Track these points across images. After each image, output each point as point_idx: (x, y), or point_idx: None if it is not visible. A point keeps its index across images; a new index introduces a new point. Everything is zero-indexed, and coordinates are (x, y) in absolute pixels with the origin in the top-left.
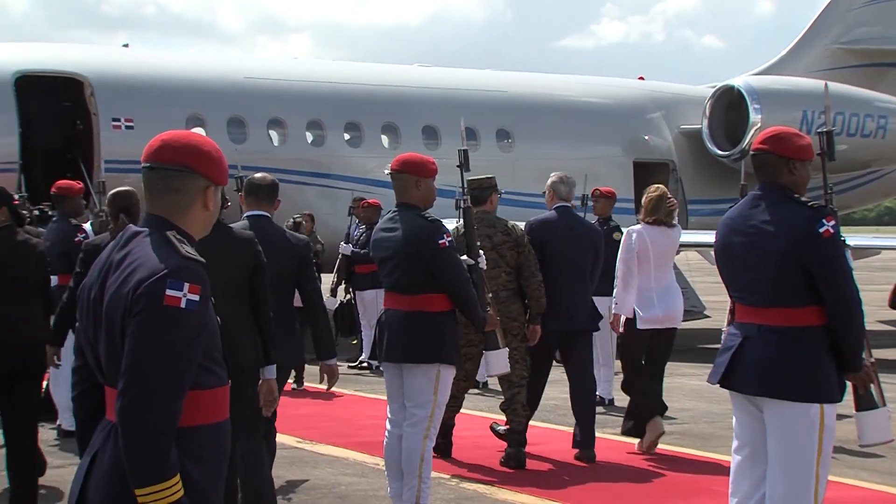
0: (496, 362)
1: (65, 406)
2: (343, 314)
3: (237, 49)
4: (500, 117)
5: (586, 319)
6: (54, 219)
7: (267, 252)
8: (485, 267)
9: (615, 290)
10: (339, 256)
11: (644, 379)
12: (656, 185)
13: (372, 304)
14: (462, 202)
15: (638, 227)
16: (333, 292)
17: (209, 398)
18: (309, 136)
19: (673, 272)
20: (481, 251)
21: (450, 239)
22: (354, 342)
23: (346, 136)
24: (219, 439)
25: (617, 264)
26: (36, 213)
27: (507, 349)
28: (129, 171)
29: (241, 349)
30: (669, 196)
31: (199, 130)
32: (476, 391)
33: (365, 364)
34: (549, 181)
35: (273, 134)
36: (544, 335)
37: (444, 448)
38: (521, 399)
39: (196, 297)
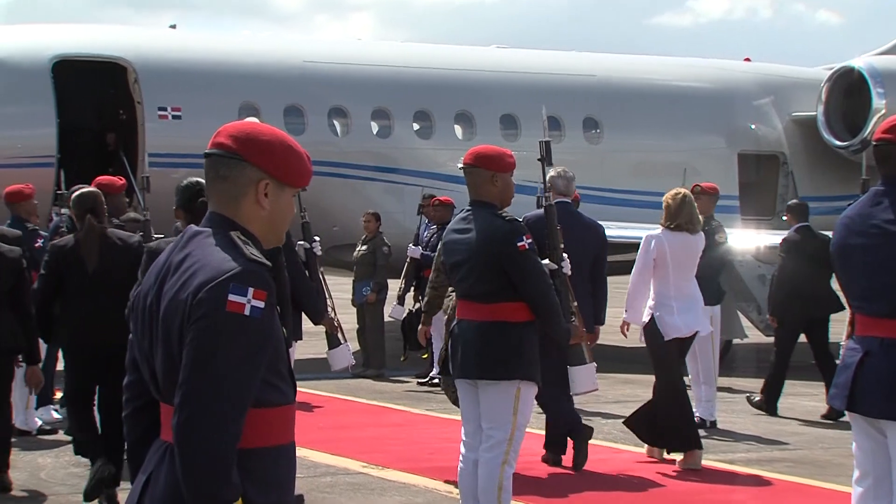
0: (583, 379)
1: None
2: (412, 324)
3: (294, 30)
4: (588, 105)
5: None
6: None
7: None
8: (569, 272)
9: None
10: (408, 260)
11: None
12: (678, 189)
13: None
14: (544, 199)
15: (657, 231)
16: (401, 300)
17: (273, 417)
18: (374, 127)
19: (695, 281)
20: (565, 254)
21: (530, 241)
22: (425, 356)
23: (416, 126)
24: (284, 463)
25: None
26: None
27: (594, 364)
28: (176, 165)
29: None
30: (694, 201)
31: (252, 120)
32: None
33: (436, 380)
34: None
35: (335, 124)
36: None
37: None
38: None
39: (261, 304)
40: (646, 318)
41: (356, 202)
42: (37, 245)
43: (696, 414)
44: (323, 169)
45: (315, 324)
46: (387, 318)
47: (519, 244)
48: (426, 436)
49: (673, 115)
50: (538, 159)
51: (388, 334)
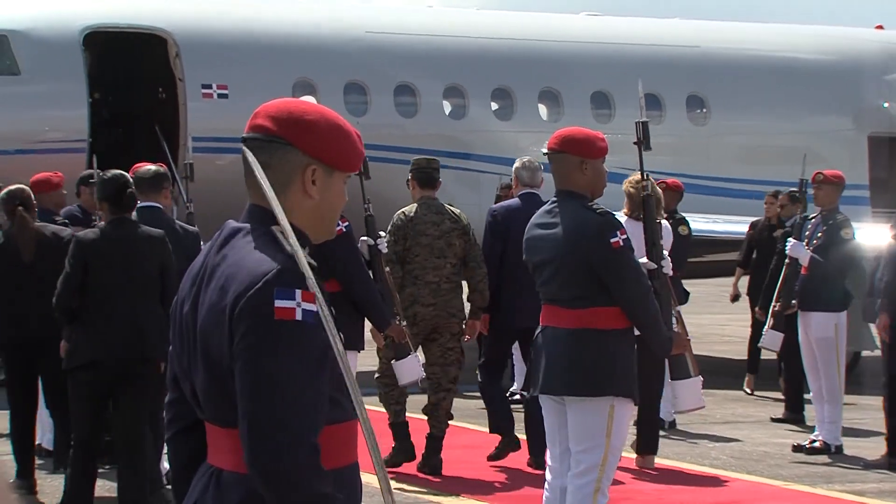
0: (687, 396)
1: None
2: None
3: None
4: (692, 80)
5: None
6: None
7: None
8: (670, 272)
9: None
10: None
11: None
12: (638, 176)
13: None
14: (643, 188)
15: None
16: None
17: (334, 436)
18: (447, 106)
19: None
20: (665, 251)
21: (625, 237)
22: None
23: (494, 106)
24: (348, 487)
25: None
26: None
27: (700, 378)
28: (221, 150)
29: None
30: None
31: (308, 99)
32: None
33: (517, 396)
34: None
35: (401, 103)
36: (501, 334)
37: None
38: (447, 405)
39: (313, 307)
40: None
41: None
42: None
43: (819, 438)
44: (388, 155)
45: (380, 331)
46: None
47: (613, 240)
48: (507, 459)
49: (791, 91)
50: (634, 143)
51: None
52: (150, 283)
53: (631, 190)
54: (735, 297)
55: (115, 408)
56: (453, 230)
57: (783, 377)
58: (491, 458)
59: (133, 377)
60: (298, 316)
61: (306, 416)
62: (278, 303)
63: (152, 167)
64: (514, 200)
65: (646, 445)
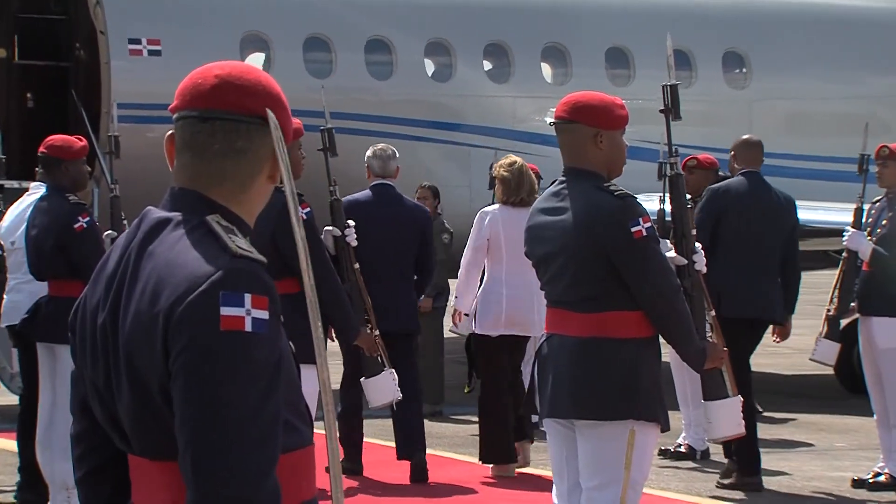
0: (724, 419)
1: (59, 483)
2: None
3: None
4: (728, 34)
5: (407, 319)
6: (42, 194)
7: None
8: (703, 269)
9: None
10: None
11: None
12: (513, 158)
13: None
14: (668, 167)
15: (493, 207)
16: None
17: (290, 465)
18: (429, 66)
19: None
20: (698, 243)
21: (649, 225)
22: None
23: (487, 66)
24: None
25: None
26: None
27: (738, 398)
28: (153, 119)
29: None
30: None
31: (257, 57)
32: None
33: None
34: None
35: (374, 62)
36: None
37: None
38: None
39: (264, 315)
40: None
41: (405, 171)
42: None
43: (886, 470)
44: (357, 125)
45: (346, 342)
46: (447, 334)
47: (634, 229)
48: (506, 498)
49: (848, 47)
50: (660, 110)
51: (447, 356)
52: None
53: (504, 174)
54: None
55: None
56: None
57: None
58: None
59: None
60: (248, 326)
61: (263, 445)
62: (224, 310)
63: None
64: (366, 192)
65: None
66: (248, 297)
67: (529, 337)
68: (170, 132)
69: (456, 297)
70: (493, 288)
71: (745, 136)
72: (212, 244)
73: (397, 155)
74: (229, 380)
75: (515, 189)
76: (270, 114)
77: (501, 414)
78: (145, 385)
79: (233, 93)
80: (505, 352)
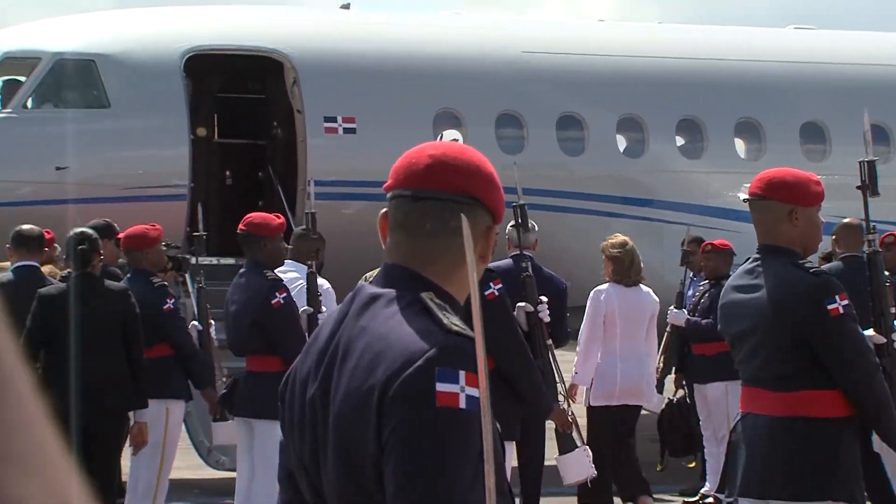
0: None
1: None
2: (673, 421)
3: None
4: None
5: None
6: (242, 270)
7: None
8: None
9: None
10: (668, 329)
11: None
12: (622, 238)
13: (720, 404)
14: (867, 244)
15: (606, 286)
16: (659, 385)
17: None
18: (621, 142)
19: (643, 340)
20: None
21: (846, 303)
22: (692, 465)
23: (680, 141)
24: None
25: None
26: (213, 262)
27: None
28: (349, 196)
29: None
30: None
31: (452, 134)
32: None
33: (709, 499)
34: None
35: (566, 138)
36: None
37: None
38: None
39: (476, 392)
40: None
41: (595, 247)
42: (166, 308)
43: None
44: (549, 201)
45: (541, 419)
46: None
47: (830, 307)
48: None
49: None
50: (857, 187)
51: (639, 432)
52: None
53: (616, 253)
54: None
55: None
56: None
57: None
58: None
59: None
60: (462, 403)
61: None
62: (440, 386)
63: (37, 228)
64: (507, 261)
65: None
66: (462, 374)
67: (640, 407)
68: (384, 210)
69: (576, 372)
70: (609, 361)
71: None
72: (426, 320)
73: (536, 228)
74: (445, 455)
75: (628, 270)
76: (464, 219)
77: (604, 484)
78: (354, 460)
79: (445, 173)
80: (614, 423)
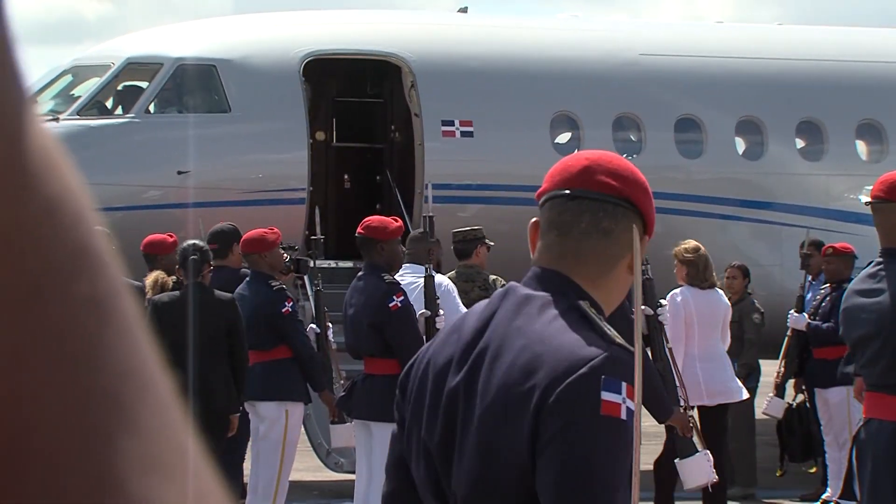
0: None
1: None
2: (791, 426)
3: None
4: None
5: None
6: (360, 274)
7: None
8: None
9: None
10: (789, 333)
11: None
12: (694, 243)
13: (841, 409)
14: None
15: (681, 289)
16: (779, 390)
17: None
18: (740, 144)
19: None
20: None
21: None
22: (813, 470)
23: (800, 143)
24: None
25: None
26: (329, 265)
27: None
28: (465, 199)
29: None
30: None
31: (566, 137)
32: None
33: None
34: None
35: (684, 140)
36: None
37: None
38: None
39: (633, 405)
40: None
41: (715, 251)
42: (284, 311)
43: None
44: (667, 204)
45: (660, 422)
46: (759, 416)
47: None
48: None
49: None
50: None
51: (759, 437)
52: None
53: (689, 257)
54: None
55: None
56: (481, 298)
57: None
58: None
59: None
60: (623, 414)
61: None
62: (605, 395)
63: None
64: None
65: None
66: (624, 386)
67: (728, 406)
68: (534, 219)
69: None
70: (689, 363)
71: None
72: (587, 329)
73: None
74: (607, 463)
75: (703, 273)
76: (635, 229)
77: (723, 486)
78: (496, 454)
79: (601, 174)
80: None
